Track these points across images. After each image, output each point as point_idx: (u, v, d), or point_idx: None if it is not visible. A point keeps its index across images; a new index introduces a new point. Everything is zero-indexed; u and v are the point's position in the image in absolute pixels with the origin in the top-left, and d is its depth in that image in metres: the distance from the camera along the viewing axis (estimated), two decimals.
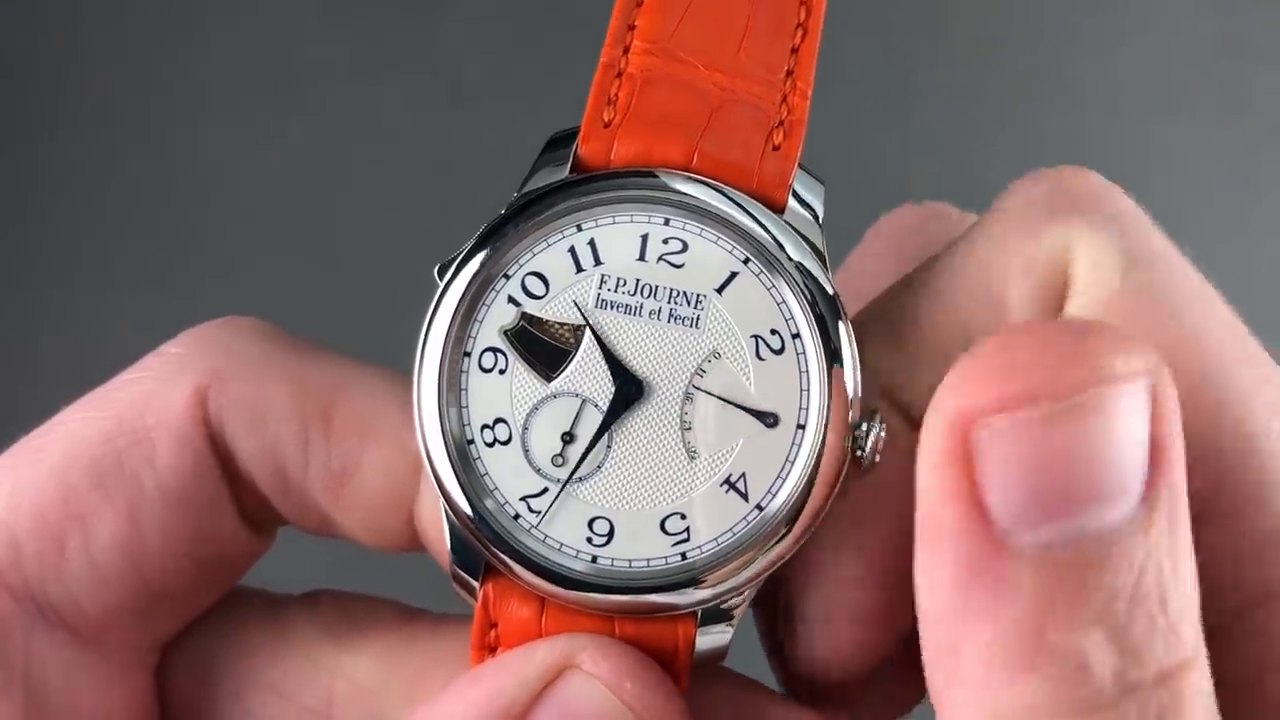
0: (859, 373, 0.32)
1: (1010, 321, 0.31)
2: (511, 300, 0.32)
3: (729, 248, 0.32)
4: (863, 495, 0.33)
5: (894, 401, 0.33)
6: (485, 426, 0.32)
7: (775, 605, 0.35)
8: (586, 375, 0.32)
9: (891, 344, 0.33)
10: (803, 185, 0.33)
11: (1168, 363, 0.27)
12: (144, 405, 0.34)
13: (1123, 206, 0.32)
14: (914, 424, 0.33)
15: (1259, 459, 0.30)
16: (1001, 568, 0.26)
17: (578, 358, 0.32)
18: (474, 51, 0.89)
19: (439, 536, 0.34)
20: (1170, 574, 0.26)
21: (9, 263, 0.87)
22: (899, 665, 0.34)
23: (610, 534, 0.32)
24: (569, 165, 0.32)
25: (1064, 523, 0.25)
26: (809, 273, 0.32)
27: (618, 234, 0.32)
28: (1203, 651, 0.27)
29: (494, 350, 0.32)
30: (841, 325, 0.32)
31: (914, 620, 0.28)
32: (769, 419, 0.32)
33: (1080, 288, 0.31)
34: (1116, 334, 0.26)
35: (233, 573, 0.37)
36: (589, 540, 0.32)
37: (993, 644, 0.26)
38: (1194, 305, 0.31)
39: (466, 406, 0.32)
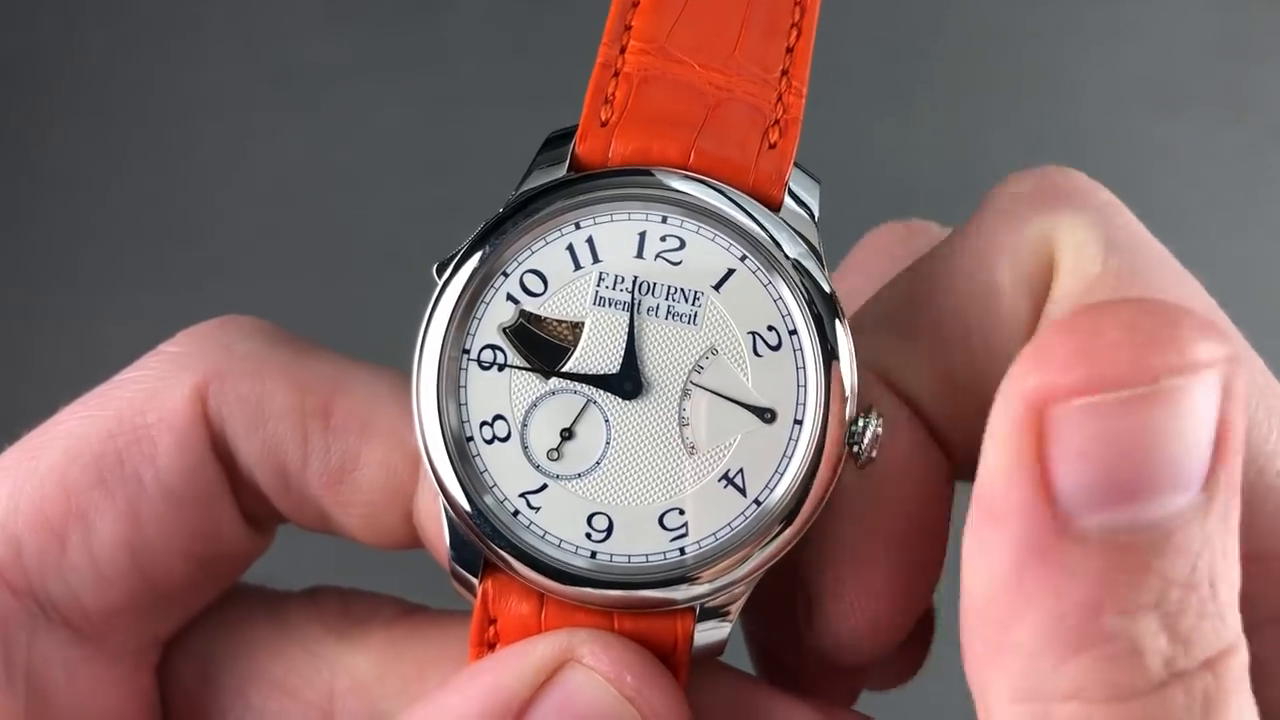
0: (856, 368, 0.32)
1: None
2: (510, 298, 0.32)
3: (726, 245, 0.32)
4: (869, 484, 0.33)
5: (895, 390, 0.34)
6: (484, 423, 0.32)
7: (780, 597, 0.35)
8: (585, 371, 0.32)
9: (890, 334, 0.34)
10: (798, 183, 0.33)
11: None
12: (144, 403, 0.34)
13: (1104, 199, 0.33)
14: (915, 411, 0.34)
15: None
16: (1062, 549, 0.26)
17: (576, 354, 0.32)
18: (474, 52, 0.89)
19: (437, 533, 0.34)
20: (1222, 560, 0.26)
21: (8, 262, 0.87)
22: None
23: (609, 529, 0.32)
24: (567, 164, 0.33)
25: (1129, 508, 0.25)
26: (805, 270, 0.32)
27: (616, 232, 0.32)
28: (1243, 637, 0.27)
29: (493, 347, 0.32)
30: (838, 321, 0.32)
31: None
32: (766, 415, 0.32)
33: (1065, 271, 0.32)
34: (1201, 320, 0.26)
35: (233, 570, 0.37)
36: (588, 536, 0.32)
37: (1046, 625, 0.26)
38: (1170, 287, 0.32)
39: (465, 403, 0.32)
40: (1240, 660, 0.27)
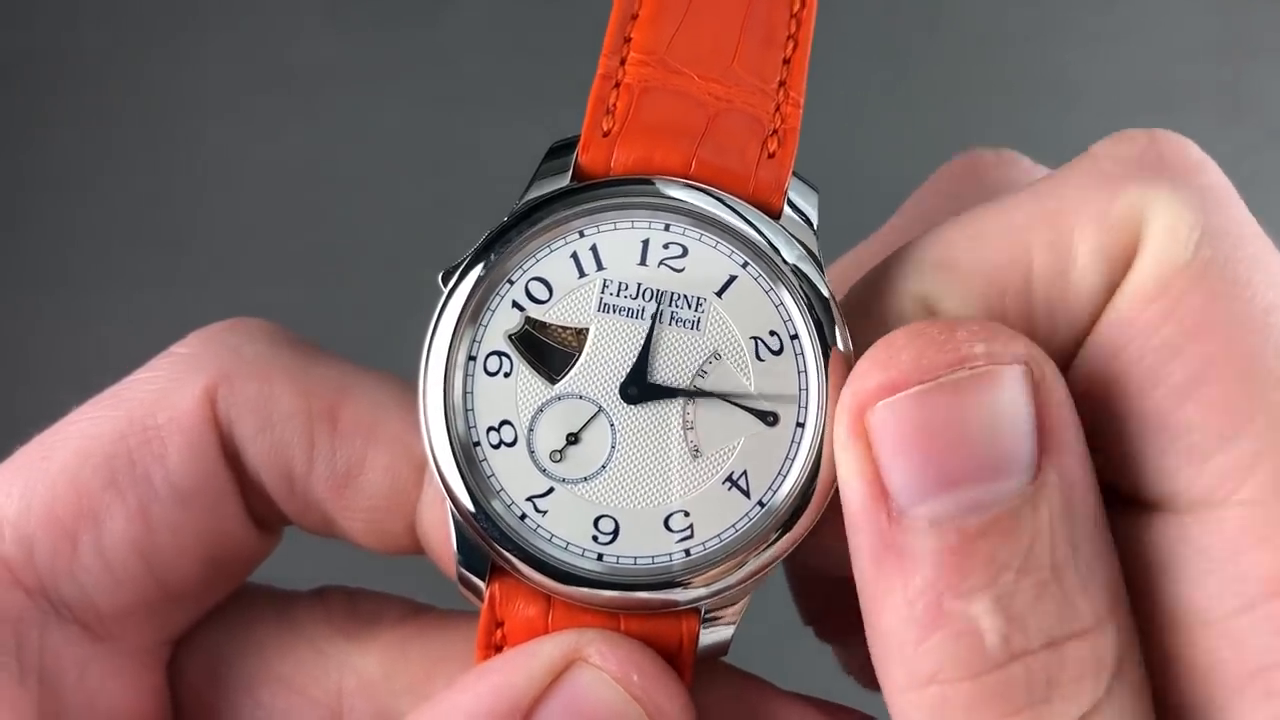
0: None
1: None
2: (515, 305, 0.33)
3: (728, 252, 0.33)
4: None
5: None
6: (491, 429, 0.33)
7: None
8: (590, 377, 0.33)
9: (949, 267, 0.32)
10: (797, 192, 0.33)
11: (1224, 341, 0.29)
12: (155, 404, 0.35)
13: (1214, 180, 0.31)
14: None
15: None
16: (901, 539, 0.28)
17: (581, 360, 0.33)
18: (474, 52, 0.90)
19: (440, 540, 0.34)
20: (1067, 550, 0.28)
21: (11, 264, 0.87)
22: None
23: (615, 532, 0.32)
24: (570, 173, 0.33)
25: (950, 495, 0.28)
26: (805, 276, 0.33)
27: (619, 240, 0.33)
28: (1111, 622, 0.29)
29: (499, 354, 0.33)
30: (838, 326, 0.32)
31: None
32: (769, 418, 0.33)
33: (1149, 253, 0.30)
34: (985, 325, 0.29)
35: (242, 570, 0.37)
36: (594, 539, 0.32)
37: (902, 610, 0.28)
38: (1264, 288, 0.30)
39: (472, 409, 0.33)
40: (1095, 646, 0.28)
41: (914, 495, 0.28)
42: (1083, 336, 0.31)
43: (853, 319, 0.33)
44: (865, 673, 0.38)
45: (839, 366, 0.32)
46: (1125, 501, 0.31)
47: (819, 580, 0.38)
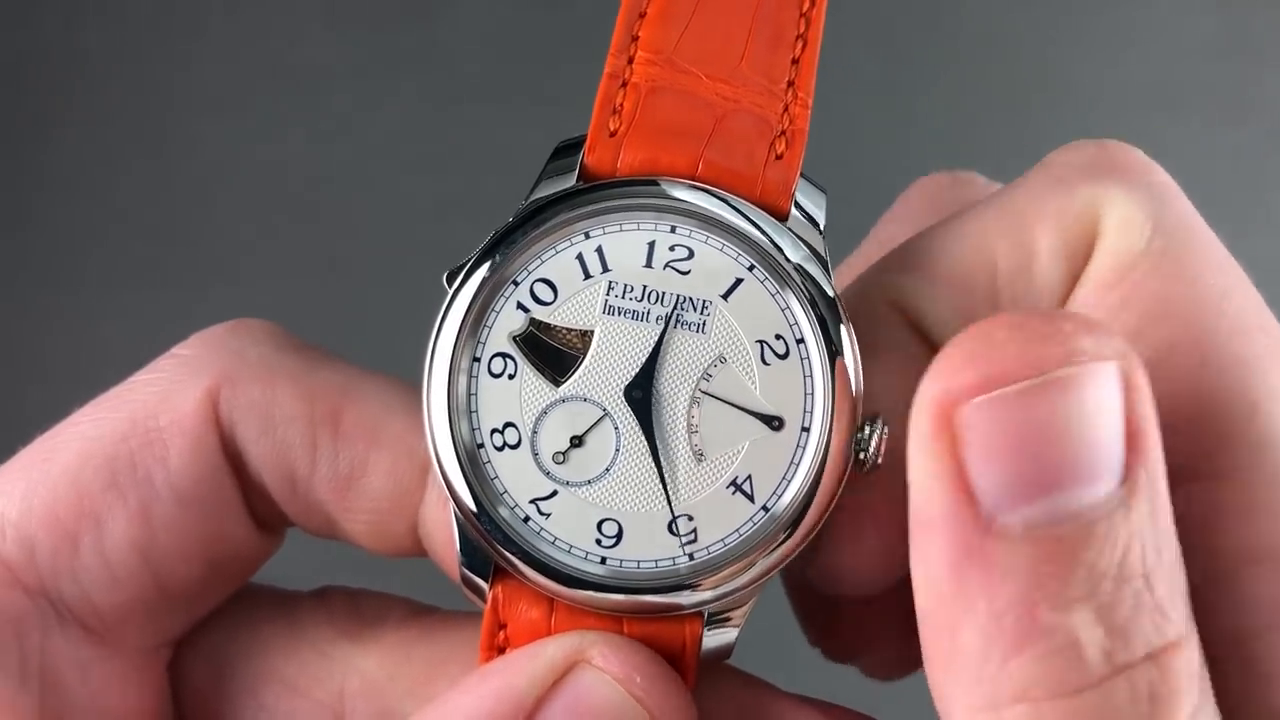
0: (861, 376, 0.32)
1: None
2: (520, 306, 0.33)
3: (734, 255, 0.33)
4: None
5: (915, 325, 0.33)
6: (495, 431, 0.33)
7: None
8: (595, 380, 0.33)
9: (918, 270, 0.33)
10: (805, 194, 0.33)
11: (1183, 323, 0.29)
12: (157, 406, 0.35)
13: (1160, 179, 0.33)
14: (932, 348, 0.33)
15: (1262, 422, 0.30)
16: (991, 548, 0.26)
17: (586, 363, 0.33)
18: (474, 51, 0.90)
19: (442, 542, 0.34)
20: (1155, 557, 0.27)
21: (15, 265, 0.87)
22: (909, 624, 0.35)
23: (619, 535, 0.32)
24: (576, 174, 0.33)
25: (1045, 501, 0.26)
26: (812, 278, 0.33)
27: (625, 241, 0.33)
28: (1193, 631, 0.27)
29: (503, 355, 0.33)
30: (844, 330, 0.32)
31: None
32: (774, 422, 0.33)
33: (1106, 245, 0.32)
34: (1087, 319, 0.27)
35: (244, 571, 0.37)
36: (598, 542, 0.32)
37: (987, 625, 0.26)
38: (1215, 274, 0.31)
39: (476, 411, 0.33)
40: (1189, 653, 0.27)
41: (1007, 501, 0.26)
42: None
43: None
44: (885, 668, 0.38)
45: (845, 371, 0.32)
46: None
47: (824, 601, 0.37)
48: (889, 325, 0.33)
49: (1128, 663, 0.26)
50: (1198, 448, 0.30)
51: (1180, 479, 0.30)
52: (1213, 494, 0.30)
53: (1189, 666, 0.27)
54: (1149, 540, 0.27)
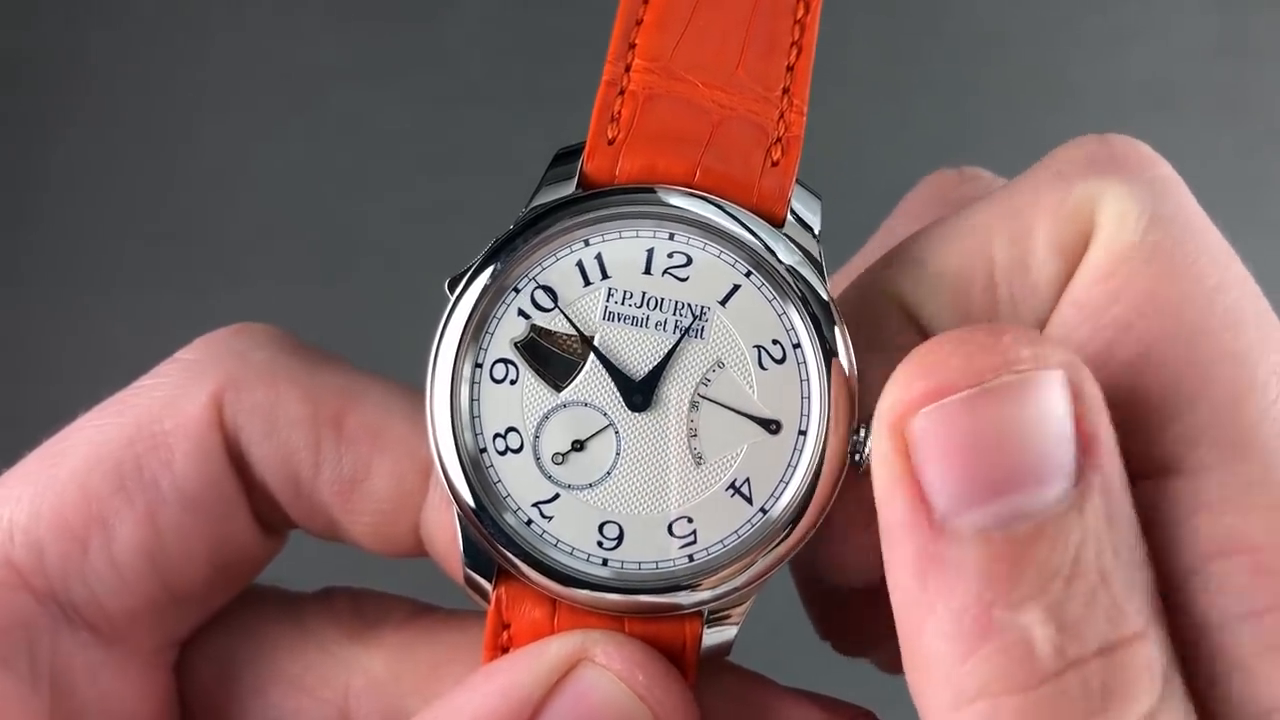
0: (857, 379, 0.33)
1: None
2: (521, 313, 0.33)
3: (731, 261, 0.33)
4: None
5: (915, 321, 0.34)
6: (497, 435, 0.33)
7: None
8: (595, 385, 0.33)
9: (917, 266, 0.33)
10: (801, 200, 0.33)
11: (1174, 316, 0.29)
12: (162, 411, 0.35)
13: (1164, 173, 0.32)
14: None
15: (1244, 416, 0.30)
16: (945, 551, 0.27)
17: (586, 368, 0.33)
18: (474, 52, 0.90)
19: (445, 544, 0.35)
20: (1111, 556, 0.28)
21: (15, 266, 0.87)
22: None
23: (620, 537, 0.33)
24: (575, 181, 0.33)
25: (995, 504, 0.27)
26: (808, 284, 0.33)
27: (624, 248, 0.33)
28: (1157, 626, 0.28)
29: (505, 361, 0.33)
30: (839, 333, 0.33)
31: None
32: (772, 426, 0.33)
33: (1100, 240, 0.31)
34: (1029, 331, 0.28)
35: (248, 573, 0.37)
36: (599, 544, 0.33)
37: (948, 626, 0.28)
38: (1209, 267, 0.31)
39: (479, 416, 0.33)
40: (1149, 647, 0.28)
41: (958, 505, 0.27)
42: (1045, 324, 0.32)
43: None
44: (897, 662, 0.38)
45: (840, 375, 0.32)
46: None
47: (834, 595, 0.37)
48: (889, 322, 0.34)
49: (1079, 657, 0.27)
50: (1181, 441, 0.30)
51: (1164, 473, 0.30)
52: (1193, 487, 0.30)
53: (1147, 661, 0.28)
54: (1104, 540, 0.28)
